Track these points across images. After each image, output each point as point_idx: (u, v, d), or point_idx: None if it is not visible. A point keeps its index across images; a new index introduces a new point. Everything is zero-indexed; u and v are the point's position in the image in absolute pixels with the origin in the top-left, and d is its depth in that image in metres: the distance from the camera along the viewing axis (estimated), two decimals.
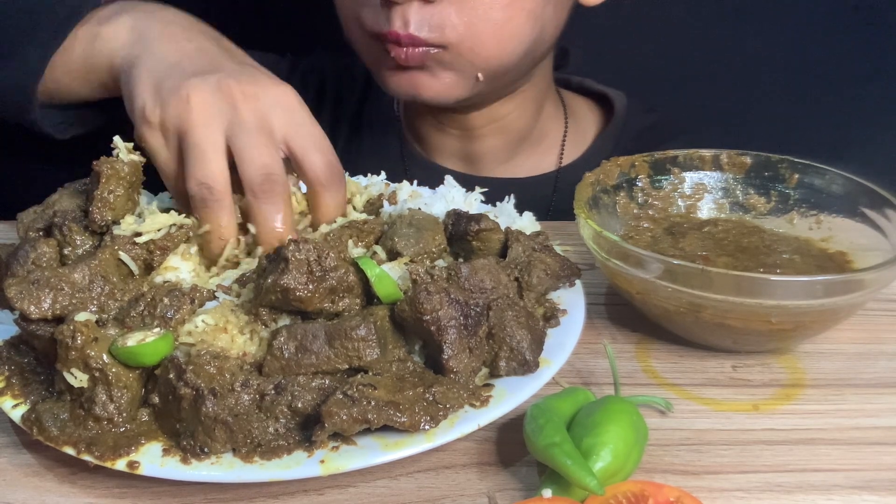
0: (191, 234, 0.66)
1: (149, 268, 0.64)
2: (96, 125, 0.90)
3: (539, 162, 1.08)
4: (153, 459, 0.54)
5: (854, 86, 1.32)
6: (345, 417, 0.53)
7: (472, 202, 0.78)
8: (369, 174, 0.82)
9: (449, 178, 0.81)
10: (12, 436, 0.61)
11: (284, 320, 0.61)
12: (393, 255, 0.68)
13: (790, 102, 1.34)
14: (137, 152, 0.69)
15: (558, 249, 0.73)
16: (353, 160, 0.92)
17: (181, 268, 0.66)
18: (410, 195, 0.78)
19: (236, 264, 0.68)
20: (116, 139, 0.69)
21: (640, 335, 0.73)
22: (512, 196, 0.79)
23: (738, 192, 0.83)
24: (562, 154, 1.08)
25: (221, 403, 0.54)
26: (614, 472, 0.53)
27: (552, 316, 0.67)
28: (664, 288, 0.65)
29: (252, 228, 0.67)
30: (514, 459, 0.58)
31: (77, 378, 0.56)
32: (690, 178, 0.84)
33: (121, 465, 0.54)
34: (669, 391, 0.66)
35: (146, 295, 0.61)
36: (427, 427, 0.55)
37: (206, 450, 0.54)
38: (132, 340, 0.57)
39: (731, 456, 0.59)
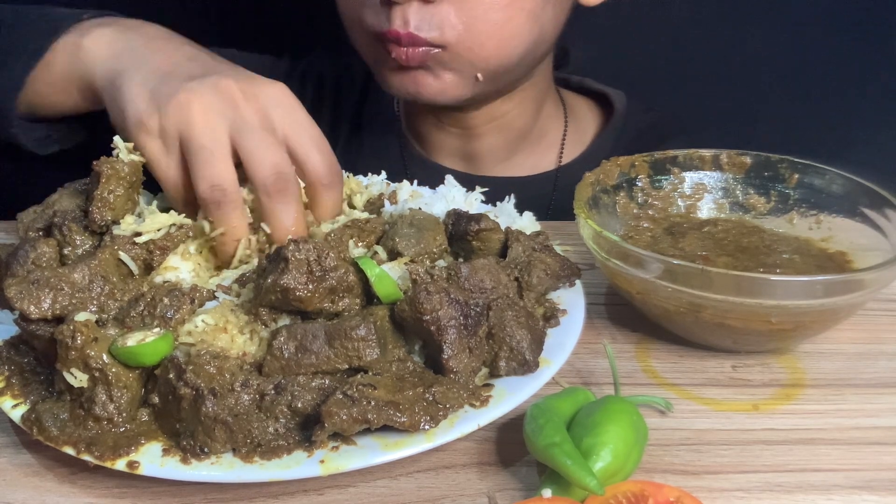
0: (190, 234, 0.66)
1: (149, 268, 0.64)
2: (79, 141, 0.90)
3: (539, 161, 1.08)
4: (153, 459, 0.54)
5: (854, 86, 1.32)
6: (345, 417, 0.53)
7: (472, 202, 0.78)
8: (369, 174, 0.82)
9: (449, 178, 0.81)
10: (12, 436, 0.61)
11: (284, 320, 0.61)
12: (393, 255, 0.68)
13: (790, 102, 1.34)
14: (137, 152, 0.68)
15: (558, 249, 0.73)
16: (353, 160, 0.92)
17: (181, 268, 0.66)
18: (411, 195, 0.78)
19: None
20: (117, 139, 0.69)
21: (640, 335, 0.73)
22: (512, 196, 0.79)
23: (737, 192, 0.83)
24: (561, 153, 1.08)
25: (221, 403, 0.54)
26: (614, 472, 0.53)
27: (552, 316, 0.67)
28: (664, 288, 0.65)
29: (266, 228, 0.67)
30: (514, 459, 0.58)
31: (77, 378, 0.56)
32: (690, 178, 0.84)
33: (121, 465, 0.54)
34: (669, 391, 0.66)
35: (146, 295, 0.61)
36: (427, 427, 0.55)
37: (205, 450, 0.54)
38: (132, 340, 0.57)
39: (731, 456, 0.59)
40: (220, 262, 0.68)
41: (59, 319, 0.59)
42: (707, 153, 0.83)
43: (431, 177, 0.84)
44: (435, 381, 0.58)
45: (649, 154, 0.83)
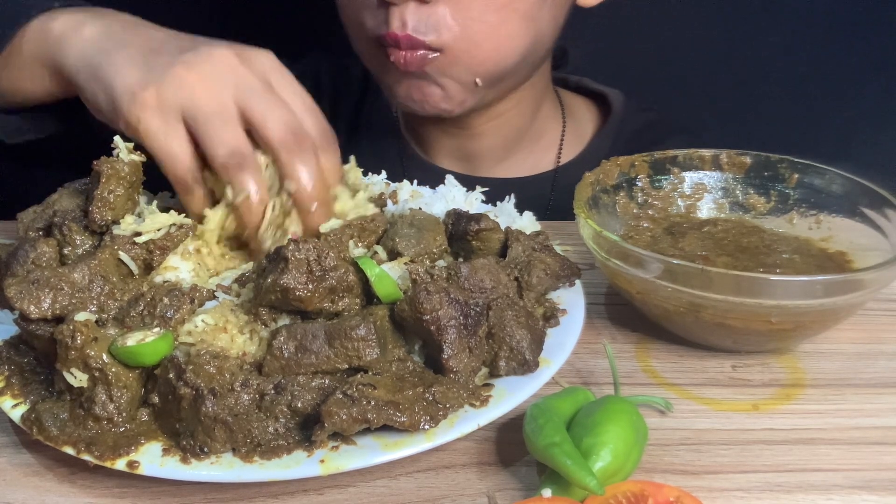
0: (190, 234, 0.66)
1: (148, 268, 0.64)
2: (52, 130, 0.88)
3: (537, 161, 1.08)
4: (153, 459, 0.54)
5: (854, 86, 1.32)
6: (344, 417, 0.53)
7: (472, 202, 0.78)
8: (369, 174, 0.82)
9: (450, 178, 0.81)
10: (12, 436, 0.61)
11: (284, 320, 0.61)
12: (393, 255, 0.68)
13: (790, 102, 1.34)
14: (138, 152, 0.68)
15: (558, 249, 0.73)
16: None
17: (181, 267, 0.66)
18: (411, 195, 0.78)
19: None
20: (117, 139, 0.69)
21: (640, 335, 0.73)
22: (512, 196, 0.79)
23: (737, 191, 0.83)
24: (560, 153, 1.08)
25: (221, 403, 0.54)
26: (614, 472, 0.53)
27: (552, 316, 0.67)
28: (664, 288, 0.65)
29: (289, 187, 0.66)
30: (513, 459, 0.58)
31: (77, 378, 0.56)
32: (690, 177, 0.84)
33: (120, 464, 0.54)
34: (669, 391, 0.66)
35: (146, 295, 0.61)
36: (427, 427, 0.55)
37: (205, 449, 0.54)
38: (132, 340, 0.57)
39: (731, 456, 0.59)
40: (249, 230, 0.67)
41: (58, 319, 0.59)
42: (707, 153, 0.83)
43: (430, 178, 0.84)
44: (435, 380, 0.58)
45: (649, 154, 0.83)
